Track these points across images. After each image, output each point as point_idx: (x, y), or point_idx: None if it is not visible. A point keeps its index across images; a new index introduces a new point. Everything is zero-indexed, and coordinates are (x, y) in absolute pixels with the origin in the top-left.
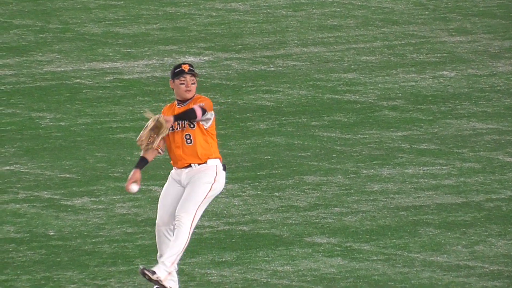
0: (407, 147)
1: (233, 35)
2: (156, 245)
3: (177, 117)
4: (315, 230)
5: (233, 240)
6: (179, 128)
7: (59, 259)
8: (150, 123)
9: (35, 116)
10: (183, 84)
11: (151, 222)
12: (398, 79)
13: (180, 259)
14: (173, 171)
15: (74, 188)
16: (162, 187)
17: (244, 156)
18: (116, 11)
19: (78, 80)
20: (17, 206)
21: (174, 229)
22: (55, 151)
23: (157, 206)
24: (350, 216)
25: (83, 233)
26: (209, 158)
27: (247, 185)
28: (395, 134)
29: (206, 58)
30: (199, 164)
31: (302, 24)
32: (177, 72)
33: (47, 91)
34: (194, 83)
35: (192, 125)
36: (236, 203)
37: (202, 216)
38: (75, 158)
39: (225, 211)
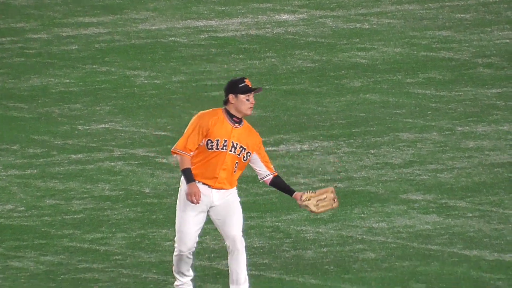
0: (502, 104)
1: None
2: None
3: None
4: (410, 187)
5: None
6: (235, 152)
7: (154, 216)
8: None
9: (130, 74)
10: (248, 100)
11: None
12: (492, 36)
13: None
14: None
15: (169, 146)
16: None
17: (339, 113)
18: None
19: (172, 38)
20: (112, 164)
21: (234, 250)
22: (150, 109)
23: None
24: (445, 173)
25: None
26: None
27: (342, 142)
28: (490, 91)
29: (301, 16)
30: (228, 189)
31: None
32: (243, 87)
33: (142, 49)
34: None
35: (245, 159)
36: (331, 160)
37: (297, 173)
38: (170, 116)
39: (320, 168)
